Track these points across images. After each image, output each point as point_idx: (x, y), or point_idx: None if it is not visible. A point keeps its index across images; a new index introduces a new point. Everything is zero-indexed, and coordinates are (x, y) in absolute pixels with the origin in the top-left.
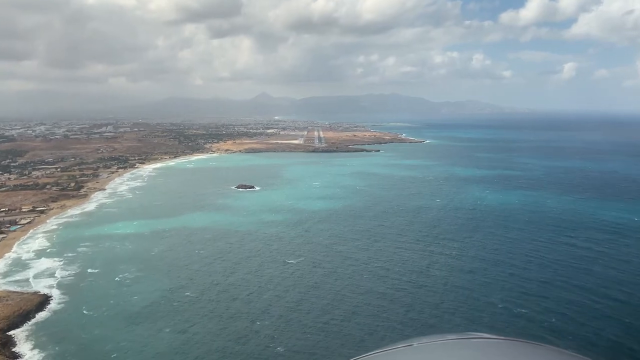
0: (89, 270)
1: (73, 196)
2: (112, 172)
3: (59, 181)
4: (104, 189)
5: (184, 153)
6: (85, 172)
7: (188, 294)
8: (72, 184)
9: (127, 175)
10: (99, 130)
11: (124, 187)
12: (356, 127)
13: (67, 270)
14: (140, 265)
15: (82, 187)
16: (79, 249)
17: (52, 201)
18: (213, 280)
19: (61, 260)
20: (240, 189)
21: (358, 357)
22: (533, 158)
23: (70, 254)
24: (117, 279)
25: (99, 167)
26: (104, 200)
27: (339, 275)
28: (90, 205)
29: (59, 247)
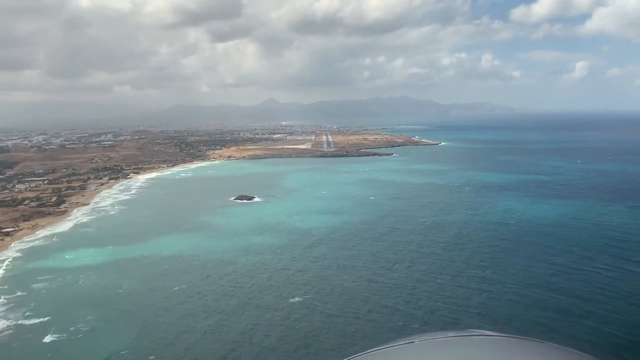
0: (34, 320)
1: (49, 213)
2: (102, 184)
3: (41, 195)
4: (87, 204)
5: (183, 161)
6: (74, 184)
7: (152, 358)
8: (54, 199)
9: (117, 187)
10: (97, 139)
11: (109, 202)
12: (366, 130)
13: (6, 320)
14: (100, 311)
15: (64, 202)
16: (33, 286)
17: (25, 220)
18: (185, 333)
19: (4, 304)
20: (239, 201)
21: (358, 354)
22: (561, 160)
23: (19, 294)
24: (65, 333)
25: (89, 178)
26: (83, 219)
27: (344, 324)
28: (65, 225)
29: (10, 283)
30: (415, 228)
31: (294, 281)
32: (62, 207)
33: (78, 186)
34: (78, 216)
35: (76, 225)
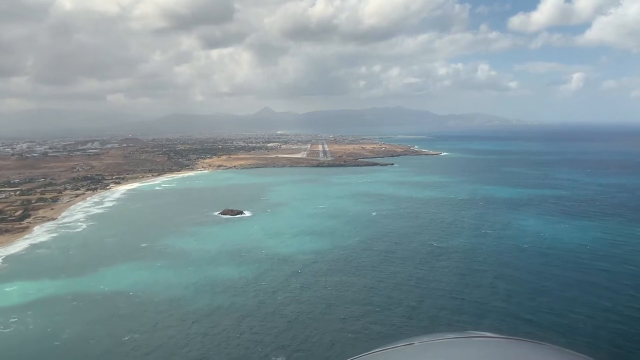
0: None
1: (7, 230)
2: (77, 195)
3: (6, 208)
4: (54, 219)
5: (170, 170)
6: (47, 195)
7: None
8: (18, 213)
9: (92, 199)
10: (83, 147)
11: (79, 216)
12: (362, 139)
13: None
14: None
15: (29, 216)
16: None
17: None
18: None
19: None
20: (223, 216)
21: (359, 355)
22: (572, 173)
23: None
24: None
25: (65, 188)
26: (42, 237)
27: None
28: (19, 245)
29: None
30: (421, 253)
31: (270, 329)
32: (25, 222)
33: (50, 198)
34: (38, 234)
35: (32, 246)
